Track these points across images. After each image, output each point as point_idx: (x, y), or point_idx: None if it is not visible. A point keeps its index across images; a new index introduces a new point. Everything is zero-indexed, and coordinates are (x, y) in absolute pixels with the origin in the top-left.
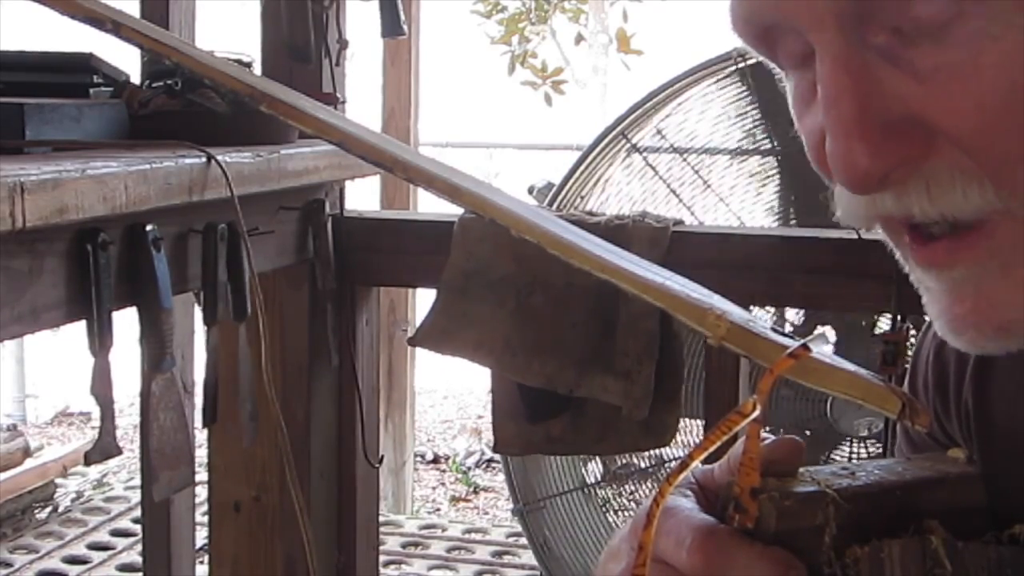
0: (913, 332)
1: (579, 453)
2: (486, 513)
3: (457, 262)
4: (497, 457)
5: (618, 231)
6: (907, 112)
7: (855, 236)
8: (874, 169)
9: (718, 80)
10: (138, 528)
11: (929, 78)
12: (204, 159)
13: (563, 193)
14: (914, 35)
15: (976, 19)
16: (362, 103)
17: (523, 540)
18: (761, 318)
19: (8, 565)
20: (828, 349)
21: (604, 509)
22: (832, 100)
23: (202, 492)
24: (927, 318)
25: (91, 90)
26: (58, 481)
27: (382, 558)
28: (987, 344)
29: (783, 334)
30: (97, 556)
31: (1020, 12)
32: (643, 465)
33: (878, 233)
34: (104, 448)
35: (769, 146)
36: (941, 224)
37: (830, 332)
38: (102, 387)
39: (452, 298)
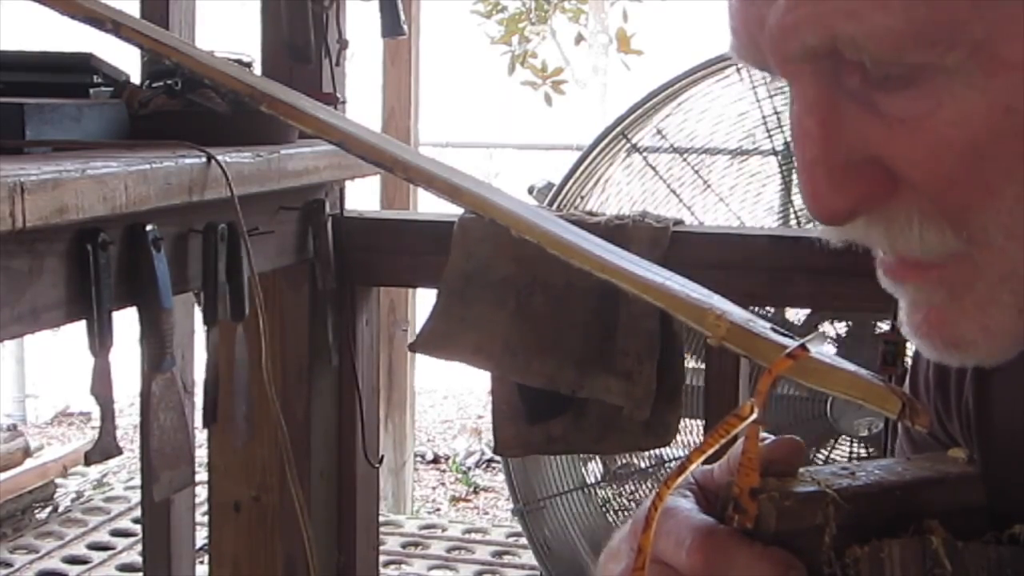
0: None
1: (580, 452)
2: (486, 513)
3: (457, 263)
4: (497, 457)
5: (618, 231)
6: (871, 154)
7: None
8: (838, 207)
9: (718, 80)
10: (138, 528)
11: (894, 124)
12: (204, 159)
13: (563, 193)
14: (883, 80)
15: (940, 74)
16: (362, 103)
17: (523, 540)
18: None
19: (8, 565)
20: (828, 349)
21: (604, 509)
22: (801, 140)
23: (202, 492)
24: None
25: (91, 90)
26: (58, 481)
27: (382, 558)
28: (941, 355)
29: (783, 334)
30: (97, 556)
31: (982, 75)
32: (643, 465)
33: None
34: (104, 448)
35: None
36: None
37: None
38: (102, 387)
39: (451, 302)
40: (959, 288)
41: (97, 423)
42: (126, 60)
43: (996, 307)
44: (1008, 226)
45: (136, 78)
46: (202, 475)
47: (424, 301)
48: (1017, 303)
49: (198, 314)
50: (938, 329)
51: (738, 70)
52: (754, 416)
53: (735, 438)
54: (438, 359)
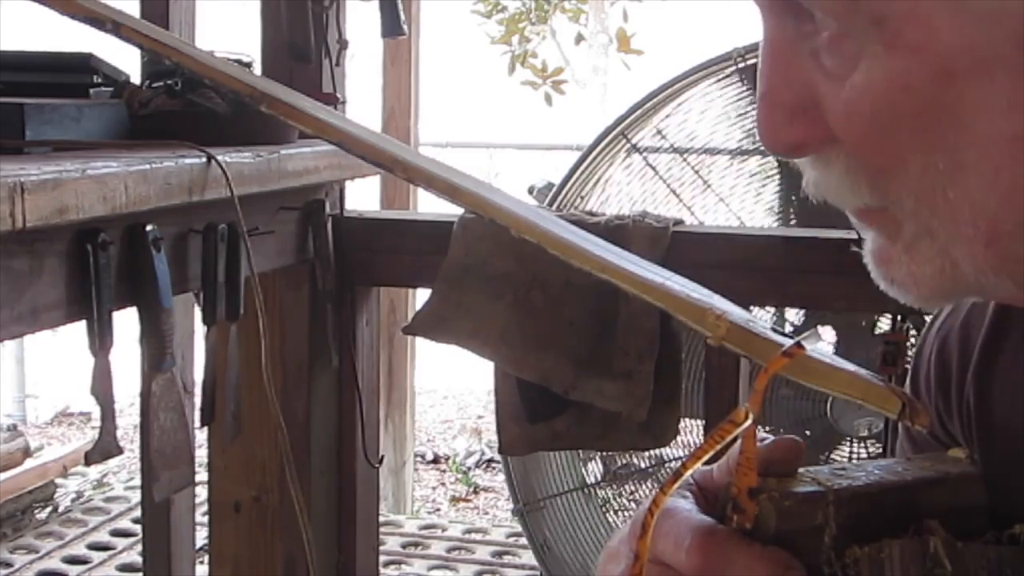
0: (913, 332)
1: (582, 448)
2: (486, 513)
3: (456, 257)
4: (497, 457)
5: (618, 231)
6: (815, 100)
7: (855, 236)
8: (785, 140)
9: (718, 80)
10: (138, 528)
11: (829, 77)
12: (204, 159)
13: (563, 193)
14: (825, 34)
15: (852, 41)
16: (362, 103)
17: (523, 540)
18: (761, 318)
19: (8, 565)
20: (826, 348)
21: (604, 509)
22: (761, 72)
23: (202, 492)
24: (928, 317)
25: (91, 90)
26: (58, 481)
27: (382, 558)
28: (887, 290)
29: (783, 334)
30: (97, 556)
31: (884, 49)
32: (643, 465)
33: None
34: (104, 448)
35: None
36: None
37: (829, 332)
38: (102, 387)
39: (449, 288)
40: (893, 234)
41: (97, 423)
42: (126, 60)
43: (917, 259)
44: (916, 192)
45: (136, 78)
46: (202, 475)
47: (424, 301)
48: (934, 260)
49: (198, 314)
50: (881, 266)
51: (738, 70)
52: (750, 420)
53: (736, 437)
54: (433, 342)
